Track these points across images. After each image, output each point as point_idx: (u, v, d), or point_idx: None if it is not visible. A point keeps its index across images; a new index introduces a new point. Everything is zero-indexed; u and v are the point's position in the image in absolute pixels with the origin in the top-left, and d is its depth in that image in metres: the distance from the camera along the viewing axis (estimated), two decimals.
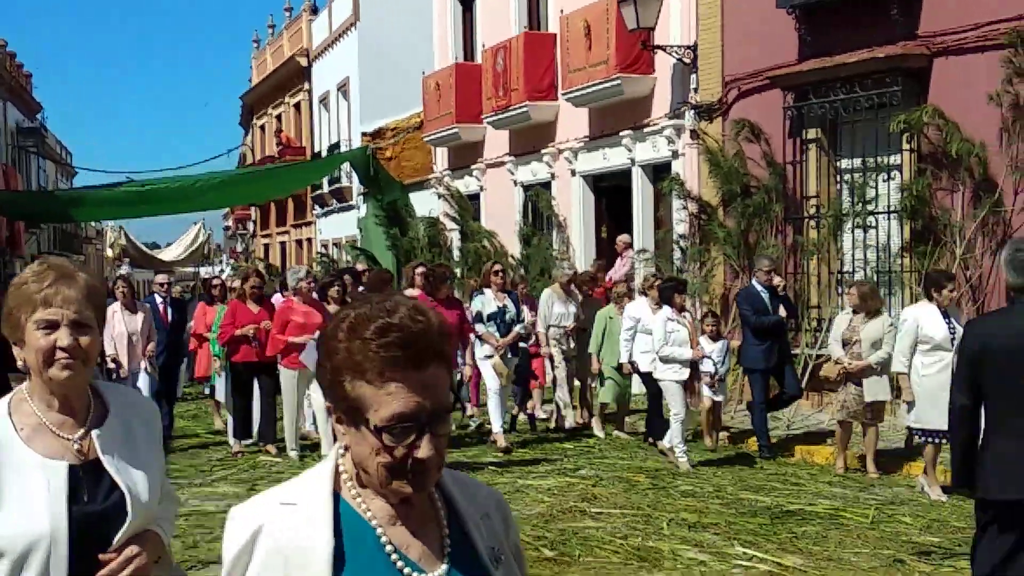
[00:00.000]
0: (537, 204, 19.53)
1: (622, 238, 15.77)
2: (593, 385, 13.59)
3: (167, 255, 27.28)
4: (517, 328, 12.31)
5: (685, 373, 10.90)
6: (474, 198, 22.14)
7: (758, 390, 11.54)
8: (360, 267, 15.70)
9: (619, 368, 12.35)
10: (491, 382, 12.07)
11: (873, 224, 13.02)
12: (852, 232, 13.26)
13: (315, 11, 35.74)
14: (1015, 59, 11.27)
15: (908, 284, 12.47)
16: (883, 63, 12.41)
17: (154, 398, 12.73)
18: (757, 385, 11.55)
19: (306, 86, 36.03)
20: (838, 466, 10.67)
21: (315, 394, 11.61)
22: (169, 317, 13.83)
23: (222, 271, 27.52)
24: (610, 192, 18.53)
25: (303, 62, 35.60)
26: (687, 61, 15.54)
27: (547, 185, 19.63)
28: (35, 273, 2.83)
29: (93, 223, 46.21)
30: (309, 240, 36.46)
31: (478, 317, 12.17)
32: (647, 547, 7.97)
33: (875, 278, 12.89)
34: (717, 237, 14.82)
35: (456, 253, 21.30)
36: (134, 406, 2.99)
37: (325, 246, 33.10)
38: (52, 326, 2.74)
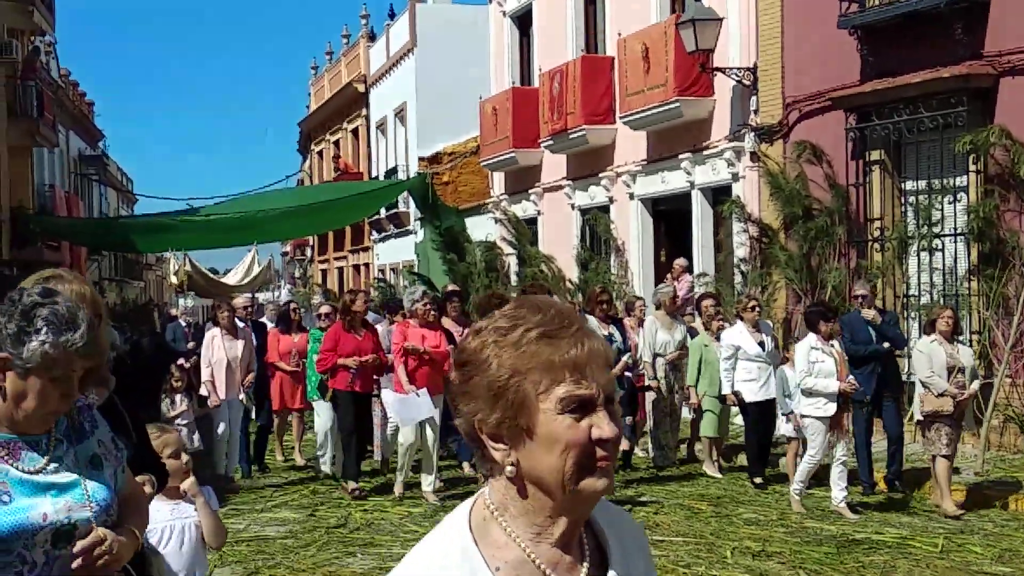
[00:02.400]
0: (595, 228, 19.46)
1: (679, 262, 15.65)
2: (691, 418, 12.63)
3: (230, 281, 27.46)
4: (624, 359, 11.44)
5: (831, 408, 9.73)
6: (531, 222, 22.11)
7: (859, 424, 10.57)
8: (452, 287, 15.19)
9: (721, 399, 11.56)
10: None
11: (939, 247, 12.80)
12: (917, 255, 13.04)
13: (372, 37, 36.01)
14: None
15: (976, 308, 12.23)
16: (948, 83, 12.22)
17: (244, 427, 12.68)
18: (858, 420, 10.57)
19: (363, 112, 36.27)
20: (948, 508, 9.66)
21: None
22: (253, 342, 13.00)
23: (278, 296, 27.67)
24: (669, 216, 18.41)
25: (360, 88, 35.85)
26: (747, 83, 15.42)
27: (605, 209, 19.55)
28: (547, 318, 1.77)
29: (154, 252, 46.82)
30: (367, 265, 36.62)
31: None
32: None
33: (942, 302, 12.65)
34: (779, 260, 14.65)
35: (513, 278, 21.26)
36: (624, 527, 1.93)
37: (383, 271, 33.22)
38: (585, 407, 1.71)
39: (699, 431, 12.32)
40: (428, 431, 10.65)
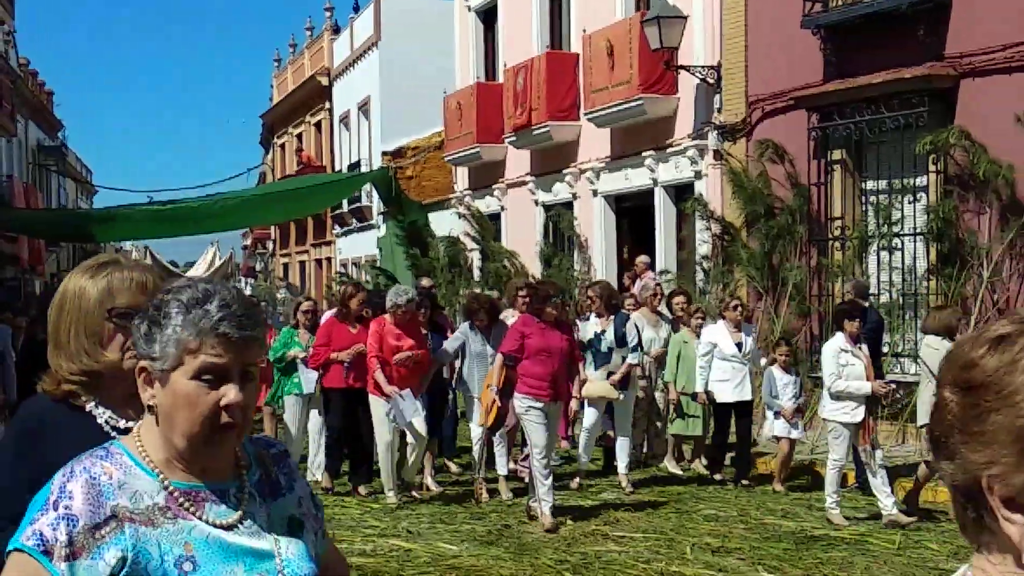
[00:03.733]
0: (558, 224, 19.47)
1: (641, 259, 15.70)
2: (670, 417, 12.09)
3: (191, 275, 27.31)
4: (631, 359, 10.81)
5: (859, 414, 9.32)
6: (495, 218, 22.10)
7: None
8: (426, 283, 14.57)
9: (693, 396, 11.39)
10: (587, 418, 11.00)
11: (899, 246, 12.90)
12: (877, 254, 13.14)
13: (336, 31, 35.84)
14: None
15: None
16: (909, 84, 12.31)
17: None
18: None
19: (327, 105, 36.10)
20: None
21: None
22: None
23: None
24: (632, 213, 18.45)
25: (324, 81, 35.68)
26: (711, 81, 15.48)
27: (568, 205, 19.57)
28: None
29: (113, 242, 46.41)
30: (329, 259, 36.48)
31: (582, 348, 10.75)
32: (670, 572, 7.86)
33: (900, 301, 12.77)
34: (740, 258, 14.73)
35: (476, 273, 21.25)
36: None
37: (345, 265, 33.10)
38: None
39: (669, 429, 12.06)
40: (419, 428, 10.29)
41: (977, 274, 11.82)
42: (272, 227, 43.42)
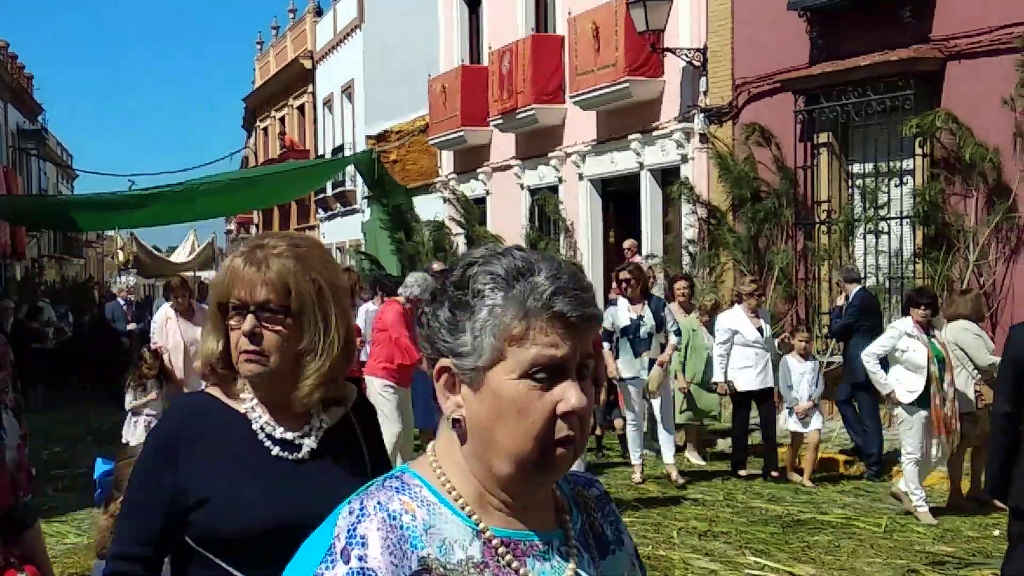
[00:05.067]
0: (544, 208, 19.41)
1: (629, 242, 15.65)
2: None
3: (175, 260, 27.10)
4: (672, 341, 10.36)
5: (923, 413, 8.95)
6: (480, 202, 22.03)
7: (865, 404, 10.71)
8: (437, 266, 14.25)
9: (711, 387, 10.97)
10: (627, 408, 10.55)
11: (885, 230, 12.90)
12: (864, 238, 13.14)
13: (319, 13, 35.63)
14: None
15: None
16: (895, 67, 12.28)
17: None
18: (864, 401, 10.69)
19: (310, 88, 35.91)
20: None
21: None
22: None
23: None
24: (618, 196, 18.40)
25: (307, 64, 35.48)
26: (696, 64, 15.42)
27: (554, 189, 19.51)
28: None
29: (95, 231, 46.17)
30: None
31: (604, 334, 10.04)
32: (657, 556, 7.85)
33: (887, 284, 12.77)
34: (727, 242, 14.71)
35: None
36: None
37: (329, 250, 32.96)
38: None
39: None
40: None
41: (963, 257, 11.82)
42: (255, 212, 43.26)
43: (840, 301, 11.31)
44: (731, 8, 14.91)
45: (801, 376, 10.47)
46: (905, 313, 9.34)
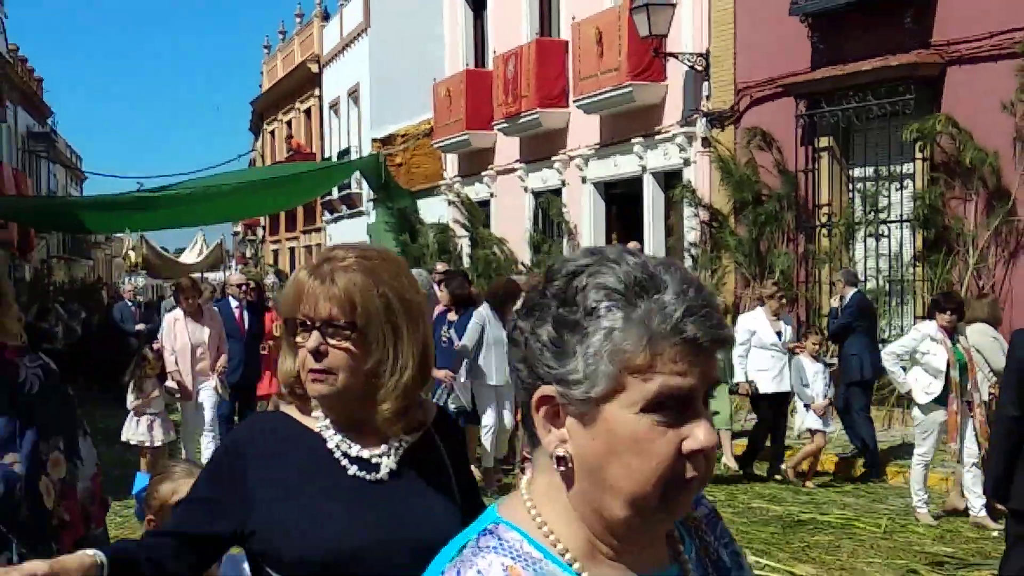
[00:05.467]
0: (547, 211, 19.51)
1: (633, 245, 15.68)
2: None
3: (186, 261, 27.27)
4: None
5: (940, 415, 8.91)
6: (484, 205, 22.12)
7: (858, 401, 10.81)
8: (441, 267, 14.03)
9: (732, 389, 10.78)
10: None
11: (885, 233, 12.98)
12: (864, 241, 13.22)
13: (326, 17, 35.77)
14: None
15: (920, 294, 12.41)
16: (896, 71, 12.37)
17: (227, 422, 11.43)
18: (857, 397, 10.80)
19: (317, 92, 36.04)
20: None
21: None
22: (246, 324, 12.02)
23: (228, 276, 27.45)
24: (621, 199, 18.50)
25: (314, 68, 35.61)
26: (699, 68, 15.52)
27: (558, 192, 19.60)
28: None
29: (104, 232, 46.28)
30: (319, 246, 36.43)
31: None
32: None
33: (887, 287, 12.85)
34: (728, 245, 14.79)
35: (466, 260, 21.29)
36: None
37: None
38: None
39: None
40: None
41: (963, 260, 11.89)
42: None
43: (835, 303, 11.41)
44: (733, 13, 14.99)
45: (815, 375, 10.44)
46: (930, 317, 9.25)
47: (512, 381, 1.39)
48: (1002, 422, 5.38)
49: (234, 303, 12.06)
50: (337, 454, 2.23)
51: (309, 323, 2.17)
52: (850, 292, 11.19)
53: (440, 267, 14.24)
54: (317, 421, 2.27)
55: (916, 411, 9.14)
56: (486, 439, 10.52)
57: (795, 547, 8.15)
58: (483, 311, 10.52)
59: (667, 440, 1.28)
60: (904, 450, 11.33)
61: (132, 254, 22.73)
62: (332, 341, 2.16)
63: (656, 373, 1.26)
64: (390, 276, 2.22)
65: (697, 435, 1.28)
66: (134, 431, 10.05)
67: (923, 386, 8.96)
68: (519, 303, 1.40)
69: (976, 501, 8.78)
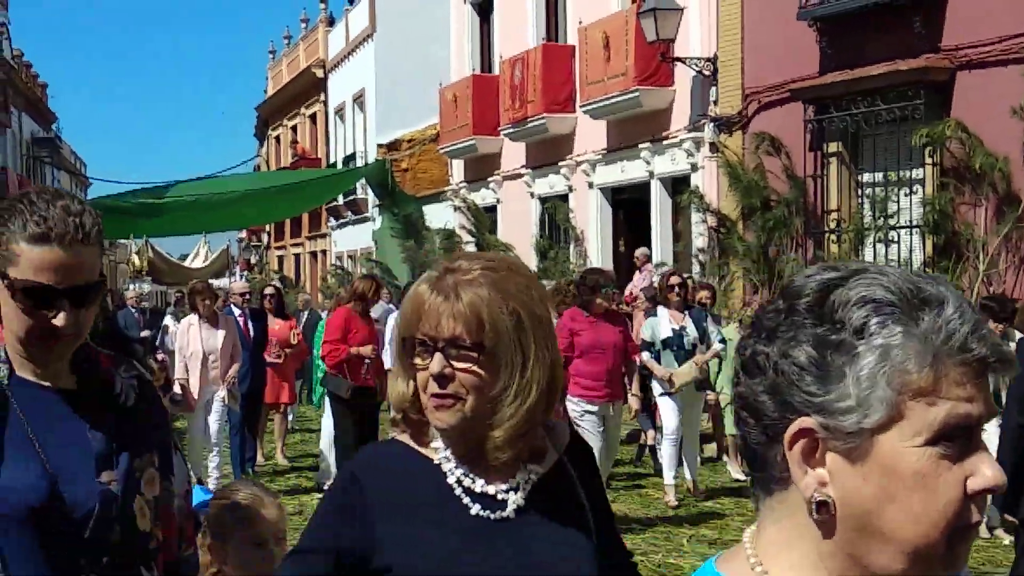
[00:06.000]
0: (554, 217, 19.47)
1: (641, 251, 15.68)
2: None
3: (192, 266, 27.16)
4: (716, 346, 10.05)
5: None
6: (490, 210, 22.09)
7: None
8: None
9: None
10: (666, 421, 9.97)
11: (895, 239, 12.91)
12: (873, 247, 13.15)
13: (331, 22, 35.79)
14: None
15: None
16: (905, 76, 12.31)
17: (236, 431, 11.41)
18: None
19: (322, 97, 36.05)
20: None
21: None
22: (251, 333, 11.76)
23: (233, 282, 27.30)
24: (628, 205, 18.45)
25: (319, 73, 35.63)
26: (707, 73, 15.47)
27: (564, 198, 19.56)
28: None
29: (108, 239, 46.22)
30: (324, 252, 36.44)
31: (644, 345, 9.82)
32: (667, 563, 7.88)
33: None
34: (736, 251, 14.73)
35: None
36: None
37: (340, 258, 33.07)
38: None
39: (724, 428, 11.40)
40: None
41: (973, 267, 11.82)
42: None
43: None
44: (741, 18, 14.95)
45: None
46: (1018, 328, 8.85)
47: (736, 420, 1.22)
48: (1010, 431, 5.31)
49: (237, 311, 11.90)
50: (458, 490, 2.02)
51: (431, 343, 1.95)
52: None
53: None
54: (436, 452, 2.05)
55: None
56: None
57: None
58: None
59: (953, 478, 1.11)
60: None
61: (136, 259, 22.63)
62: (457, 364, 1.94)
63: (942, 398, 1.10)
64: (519, 289, 1.99)
65: (984, 471, 1.12)
66: None
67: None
68: (750, 324, 1.24)
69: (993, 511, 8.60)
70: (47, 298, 2.13)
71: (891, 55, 12.55)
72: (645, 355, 9.79)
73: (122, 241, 47.90)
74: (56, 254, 2.12)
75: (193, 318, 10.66)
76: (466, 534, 1.99)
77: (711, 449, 12.23)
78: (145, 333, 17.87)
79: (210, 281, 17.97)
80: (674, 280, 10.05)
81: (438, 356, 1.94)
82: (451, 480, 2.02)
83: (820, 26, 13.56)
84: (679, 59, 15.51)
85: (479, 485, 2.02)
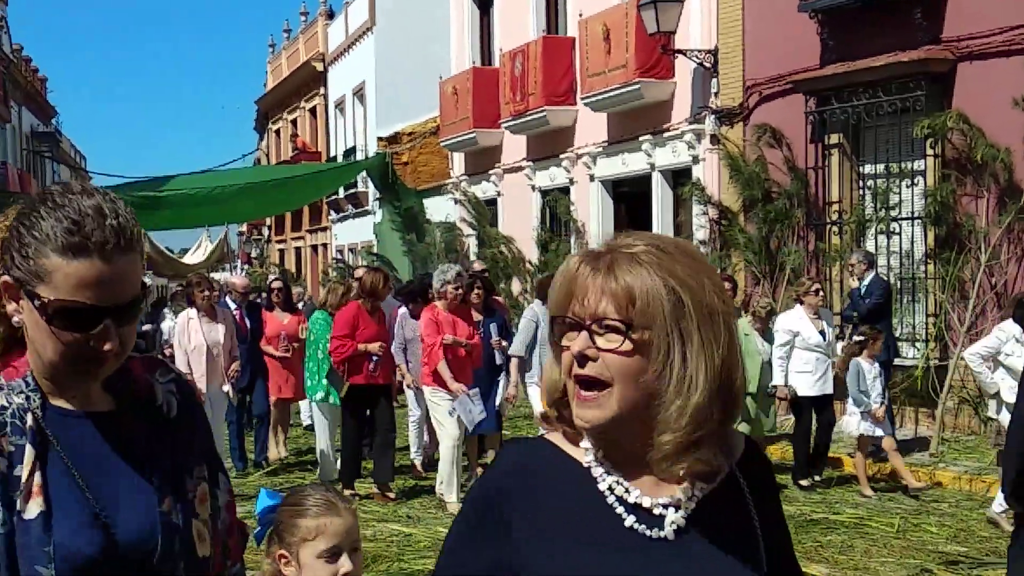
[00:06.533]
0: (555, 210, 19.47)
1: None
2: None
3: (189, 260, 27.11)
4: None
5: (1005, 417, 8.33)
6: (491, 203, 22.09)
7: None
8: (478, 266, 13.71)
9: (756, 394, 10.05)
10: None
11: (896, 230, 12.91)
12: (875, 238, 13.15)
13: (331, 15, 35.76)
14: None
15: (932, 291, 12.35)
16: (907, 67, 12.31)
17: (236, 424, 11.51)
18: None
19: (322, 90, 36.03)
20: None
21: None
22: (248, 326, 11.83)
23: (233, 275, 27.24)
24: (629, 198, 18.45)
25: (319, 67, 35.59)
26: (708, 65, 15.46)
27: (565, 190, 19.56)
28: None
29: None
30: (325, 245, 36.44)
31: None
32: None
33: (898, 285, 12.79)
34: (738, 243, 14.74)
35: (473, 259, 21.27)
36: None
37: (341, 251, 33.08)
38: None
39: None
40: (453, 428, 9.53)
41: (975, 258, 11.82)
42: None
43: (854, 283, 11.40)
44: (742, 9, 14.94)
45: (874, 379, 9.93)
46: (1016, 320, 8.97)
47: None
48: (1019, 419, 5.29)
49: (233, 305, 11.86)
50: (611, 499, 1.76)
51: (578, 322, 1.74)
52: (870, 275, 11.15)
53: (477, 265, 13.95)
54: (586, 453, 1.80)
55: (1004, 414, 8.69)
56: None
57: (808, 547, 8.10)
58: (536, 308, 10.06)
59: None
60: (914, 445, 11.29)
61: None
62: (602, 343, 1.71)
63: None
64: (686, 273, 1.74)
65: None
66: None
67: (1009, 386, 8.58)
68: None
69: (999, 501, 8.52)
70: (88, 319, 1.84)
71: (892, 47, 12.54)
72: None
73: None
74: (97, 268, 1.82)
75: (192, 312, 10.63)
76: (618, 552, 1.74)
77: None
78: (147, 327, 17.87)
79: (211, 275, 17.89)
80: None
81: (583, 334, 1.72)
82: (602, 486, 1.77)
83: (821, 18, 13.55)
84: (680, 51, 15.49)
85: (634, 495, 1.76)
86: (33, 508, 1.83)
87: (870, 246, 13.19)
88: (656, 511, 1.74)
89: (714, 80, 15.44)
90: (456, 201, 22.80)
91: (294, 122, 39.96)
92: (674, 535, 1.74)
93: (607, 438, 1.76)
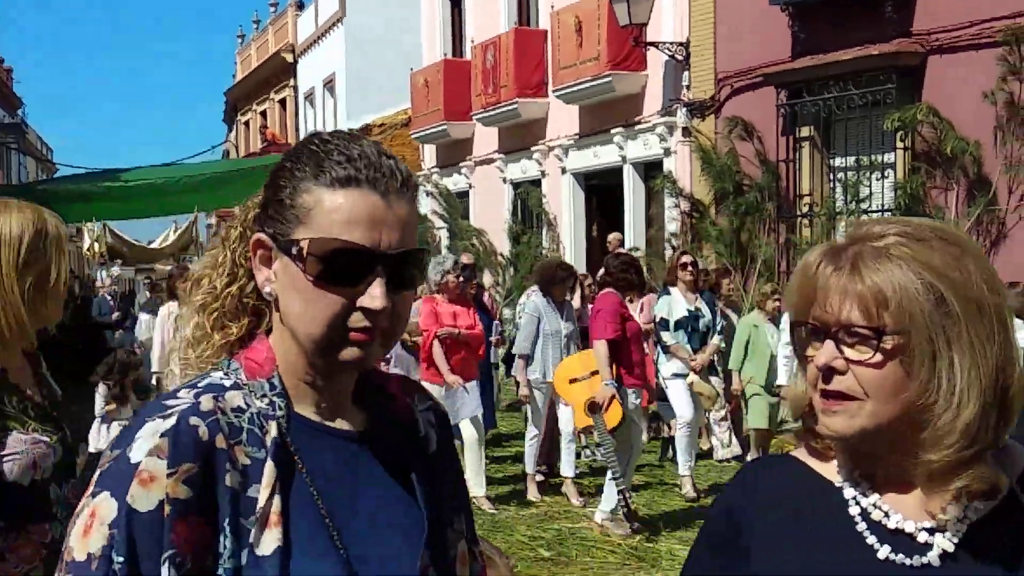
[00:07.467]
0: (527, 202, 19.45)
1: (614, 236, 15.69)
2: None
3: (154, 246, 26.82)
4: (715, 340, 9.64)
5: None
6: (463, 196, 22.05)
7: None
8: (466, 259, 13.63)
9: (773, 389, 9.87)
10: (682, 410, 9.46)
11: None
12: (846, 231, 13.16)
13: (301, 6, 35.58)
14: (1010, 57, 11.24)
15: None
16: (877, 61, 12.37)
17: None
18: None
19: (291, 82, 35.86)
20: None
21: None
22: None
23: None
24: (601, 190, 18.46)
25: (288, 58, 35.43)
26: (679, 58, 15.48)
27: (537, 183, 19.55)
28: None
29: (71, 223, 45.78)
30: None
31: (663, 324, 9.50)
32: (644, 547, 7.89)
33: None
34: (709, 235, 14.78)
35: (444, 252, 21.20)
36: None
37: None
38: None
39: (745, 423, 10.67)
40: (472, 428, 9.07)
41: None
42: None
43: None
44: (714, 2, 14.95)
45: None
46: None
47: None
48: None
49: None
50: (861, 526, 1.57)
51: (822, 329, 1.55)
52: None
53: (465, 258, 13.88)
54: (839, 471, 1.63)
55: None
56: (531, 448, 9.60)
57: None
58: (536, 300, 9.54)
59: None
60: None
61: (96, 245, 22.25)
62: (851, 354, 1.51)
63: None
64: (947, 264, 1.50)
65: None
66: (106, 439, 9.21)
67: None
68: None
69: None
70: (356, 266, 1.48)
71: (863, 40, 12.60)
72: (667, 336, 9.46)
73: (82, 226, 47.64)
74: (369, 201, 1.48)
75: (173, 305, 10.32)
76: None
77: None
78: (116, 314, 17.74)
79: (186, 261, 17.65)
80: (685, 259, 9.67)
81: (828, 344, 1.53)
82: (853, 511, 1.59)
83: (792, 11, 13.58)
84: (652, 44, 15.50)
85: (894, 520, 1.56)
86: (269, 542, 1.44)
87: (840, 239, 13.23)
88: (921, 537, 1.55)
89: (686, 73, 15.46)
90: (427, 193, 22.73)
91: (263, 114, 39.75)
92: (939, 561, 1.53)
93: (862, 451, 1.58)
